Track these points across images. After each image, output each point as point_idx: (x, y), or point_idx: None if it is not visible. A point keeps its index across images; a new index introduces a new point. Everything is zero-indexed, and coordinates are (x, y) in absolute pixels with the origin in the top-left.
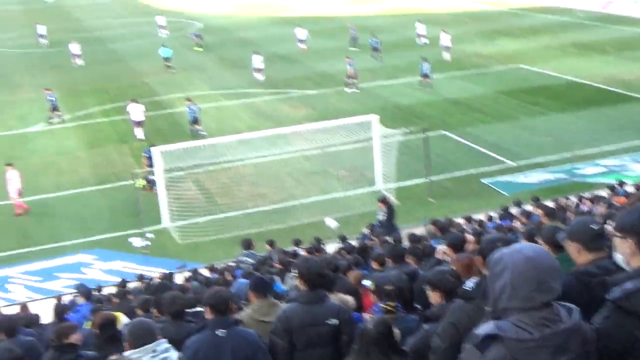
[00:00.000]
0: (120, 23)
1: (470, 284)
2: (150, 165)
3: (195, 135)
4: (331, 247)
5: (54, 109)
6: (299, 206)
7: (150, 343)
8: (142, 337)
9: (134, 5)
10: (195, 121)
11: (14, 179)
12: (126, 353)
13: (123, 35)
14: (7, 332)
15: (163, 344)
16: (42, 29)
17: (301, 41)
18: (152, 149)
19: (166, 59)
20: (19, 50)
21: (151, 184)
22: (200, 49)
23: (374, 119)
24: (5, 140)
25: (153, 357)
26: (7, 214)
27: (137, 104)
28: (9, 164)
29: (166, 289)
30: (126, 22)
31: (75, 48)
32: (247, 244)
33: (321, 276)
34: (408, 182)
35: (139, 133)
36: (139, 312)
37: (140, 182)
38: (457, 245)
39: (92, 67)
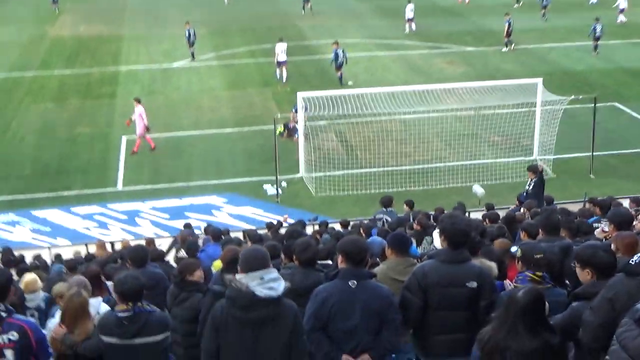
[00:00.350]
0: None
1: (636, 258)
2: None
3: (341, 83)
4: (475, 216)
5: (190, 44)
6: (445, 169)
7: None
8: (253, 263)
9: None
10: (340, 67)
11: (142, 115)
12: (237, 276)
13: None
14: (137, 262)
15: (273, 272)
16: None
17: None
18: (297, 94)
19: (306, 1)
20: None
21: (291, 131)
22: None
23: (538, 82)
24: (148, 74)
25: (259, 284)
26: (142, 147)
27: (282, 43)
28: (138, 100)
29: (298, 235)
30: None
31: None
32: (388, 202)
33: (465, 235)
34: (568, 155)
35: (280, 74)
36: None
37: (280, 129)
38: (622, 222)
39: (242, 5)
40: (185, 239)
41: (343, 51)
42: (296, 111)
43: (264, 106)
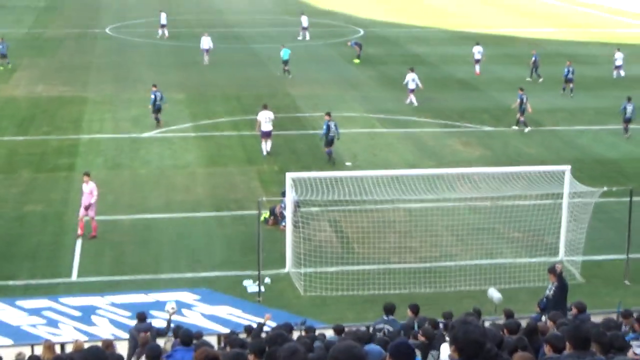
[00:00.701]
0: (267, 20)
1: None
2: (283, 206)
3: (329, 160)
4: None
5: (157, 109)
6: (456, 269)
7: None
8: None
9: (288, 2)
10: (331, 142)
11: (94, 192)
12: None
13: (268, 35)
14: None
15: None
16: (164, 18)
17: (477, 62)
18: (285, 175)
19: (284, 62)
20: (146, 40)
21: (278, 218)
22: (358, 61)
23: (566, 170)
24: (114, 144)
25: None
26: (98, 231)
27: (266, 111)
28: (87, 174)
29: (284, 341)
30: (275, 20)
31: (206, 43)
32: (390, 309)
33: (480, 346)
34: (600, 257)
35: (265, 147)
36: None
37: (265, 214)
38: None
39: (226, 69)
40: (147, 342)
41: (335, 125)
42: (284, 195)
43: (247, 187)
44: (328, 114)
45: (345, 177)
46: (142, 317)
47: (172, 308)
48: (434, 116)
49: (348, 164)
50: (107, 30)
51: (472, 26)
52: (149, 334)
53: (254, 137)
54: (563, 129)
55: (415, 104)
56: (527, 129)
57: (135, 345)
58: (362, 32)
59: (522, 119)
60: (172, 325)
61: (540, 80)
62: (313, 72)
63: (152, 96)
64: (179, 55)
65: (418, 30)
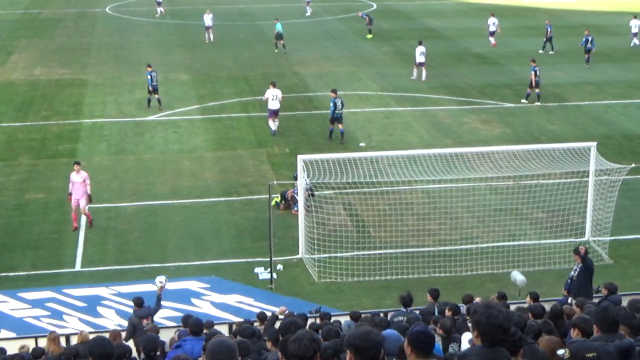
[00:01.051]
0: None
1: None
2: (295, 190)
3: (330, 137)
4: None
5: (153, 90)
6: (477, 251)
7: None
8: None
9: None
10: (339, 119)
11: (87, 181)
12: None
13: (275, 11)
14: (100, 358)
15: None
16: None
17: (491, 34)
18: (297, 157)
19: (278, 36)
20: (148, 19)
21: (289, 202)
22: (370, 36)
23: (592, 147)
24: (117, 129)
25: None
26: (101, 219)
27: (274, 89)
28: (77, 162)
29: (297, 328)
30: None
31: (208, 20)
32: (408, 301)
33: (504, 331)
34: (629, 236)
35: (273, 125)
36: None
37: (276, 199)
38: None
39: (232, 47)
40: (157, 331)
41: (342, 102)
42: (296, 179)
43: (257, 171)
44: (334, 90)
45: (359, 158)
46: (139, 302)
47: (161, 282)
48: (451, 93)
49: (362, 144)
50: (107, 10)
51: None
52: (150, 321)
53: (263, 118)
54: (589, 103)
55: (414, 77)
56: (524, 100)
57: (133, 332)
58: (374, 6)
59: (529, 91)
60: (161, 299)
61: (541, 51)
62: (323, 49)
63: (149, 77)
64: (183, 35)
65: (433, 3)
